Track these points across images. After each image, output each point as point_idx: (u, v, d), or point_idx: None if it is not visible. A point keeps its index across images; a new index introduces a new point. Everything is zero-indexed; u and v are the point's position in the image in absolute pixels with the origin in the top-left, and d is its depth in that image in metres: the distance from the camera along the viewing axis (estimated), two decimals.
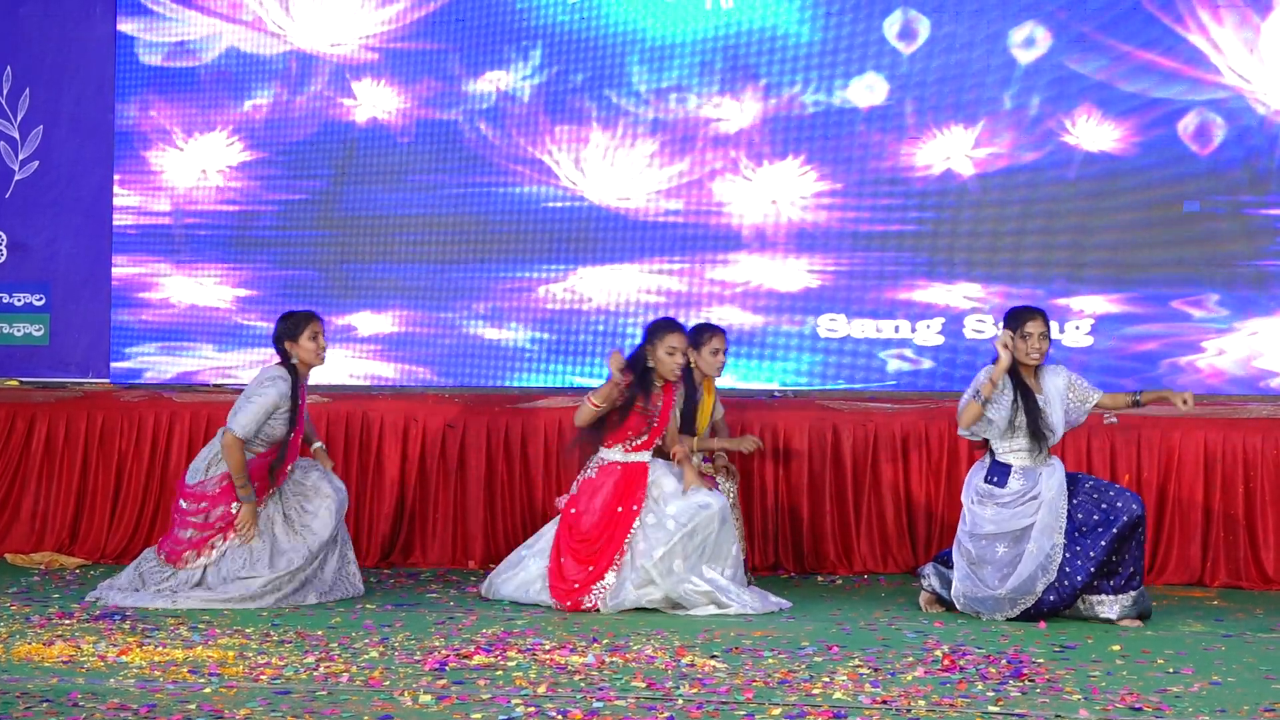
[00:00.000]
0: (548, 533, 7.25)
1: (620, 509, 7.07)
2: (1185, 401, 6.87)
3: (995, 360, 6.76)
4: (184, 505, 7.05)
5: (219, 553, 6.98)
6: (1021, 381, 6.80)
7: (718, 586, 6.93)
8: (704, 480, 7.17)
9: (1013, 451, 6.83)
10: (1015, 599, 6.72)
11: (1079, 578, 6.69)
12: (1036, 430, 6.77)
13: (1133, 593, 6.73)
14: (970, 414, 6.79)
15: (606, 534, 7.04)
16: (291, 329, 7.06)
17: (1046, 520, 6.75)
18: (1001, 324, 6.90)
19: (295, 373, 7.08)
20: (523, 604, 7.05)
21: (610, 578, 6.96)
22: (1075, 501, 6.79)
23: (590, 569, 7.00)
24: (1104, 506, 6.75)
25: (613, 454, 7.15)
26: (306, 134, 8.91)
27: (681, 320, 7.35)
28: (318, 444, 7.45)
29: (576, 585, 6.98)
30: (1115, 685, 5.33)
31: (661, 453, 7.25)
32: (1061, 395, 6.87)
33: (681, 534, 6.94)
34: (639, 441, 7.13)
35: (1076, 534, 6.75)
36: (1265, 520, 7.94)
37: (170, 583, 6.96)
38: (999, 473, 6.84)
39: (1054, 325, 8.28)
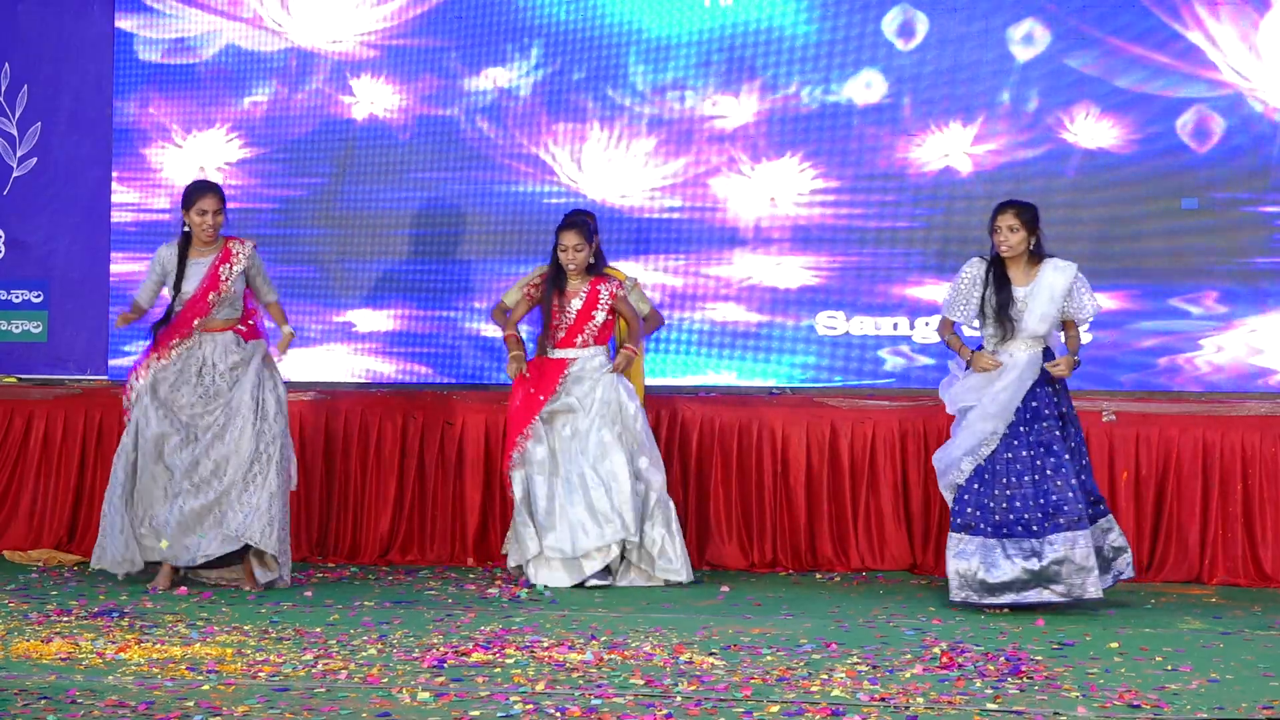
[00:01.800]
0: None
1: (532, 390, 7.64)
2: (1058, 365, 7.07)
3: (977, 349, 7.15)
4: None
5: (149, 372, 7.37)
6: (1002, 272, 7.05)
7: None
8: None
9: (987, 336, 7.14)
10: (957, 455, 7.05)
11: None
12: (1003, 318, 7.02)
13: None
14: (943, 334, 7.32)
15: (518, 415, 7.66)
16: (185, 199, 7.45)
17: (988, 404, 6.99)
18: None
19: (188, 240, 7.44)
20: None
21: (526, 446, 7.62)
22: (1040, 426, 6.99)
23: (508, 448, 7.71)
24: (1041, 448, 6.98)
25: (546, 352, 7.80)
26: (306, 131, 8.91)
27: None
28: (286, 330, 7.64)
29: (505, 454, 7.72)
30: (1113, 683, 5.33)
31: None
32: (1058, 294, 7.01)
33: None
34: (558, 337, 7.72)
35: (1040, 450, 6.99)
36: (1263, 518, 7.95)
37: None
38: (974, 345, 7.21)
39: None
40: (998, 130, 8.41)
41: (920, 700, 5.01)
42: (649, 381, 8.38)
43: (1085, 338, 8.33)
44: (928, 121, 8.45)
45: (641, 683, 5.24)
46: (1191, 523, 8.00)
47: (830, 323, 8.49)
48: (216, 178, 8.91)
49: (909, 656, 5.77)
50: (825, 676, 5.36)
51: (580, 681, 5.26)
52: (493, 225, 8.76)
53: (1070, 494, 6.87)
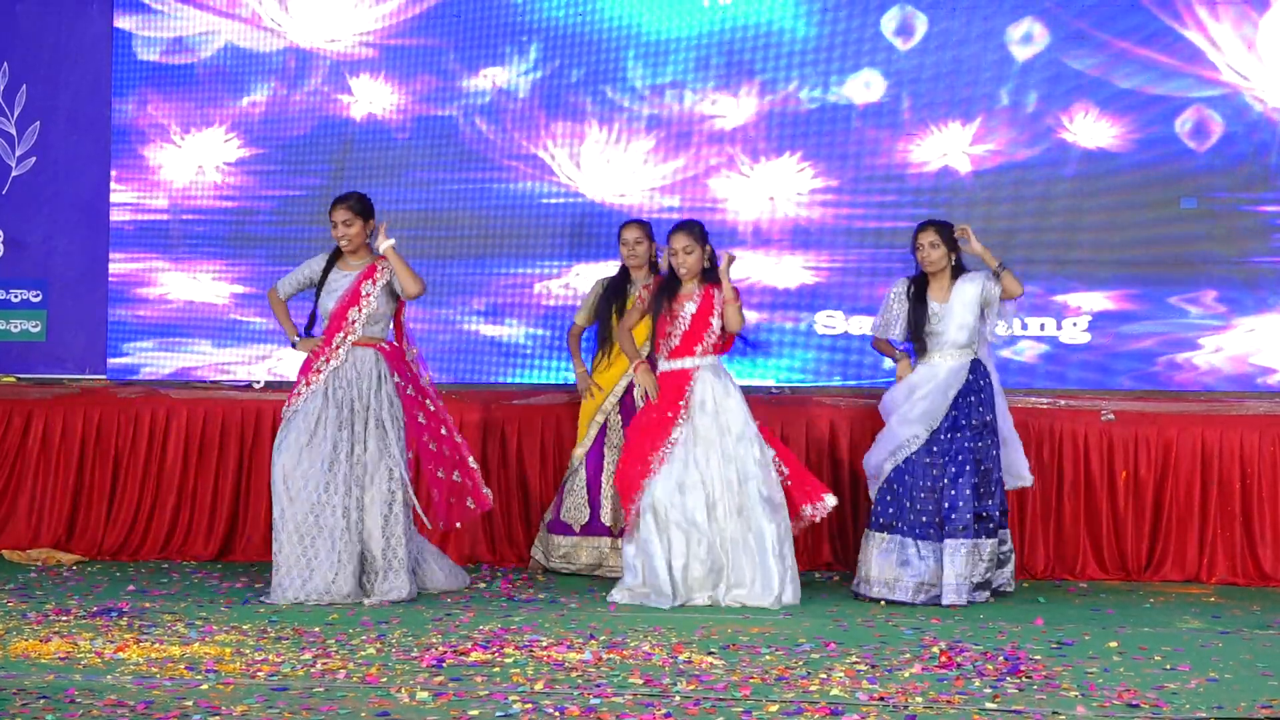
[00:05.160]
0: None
1: (655, 415, 7.21)
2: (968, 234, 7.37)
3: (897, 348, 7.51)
4: None
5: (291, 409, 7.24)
6: (921, 292, 7.38)
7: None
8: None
9: (916, 350, 7.44)
10: (880, 457, 7.41)
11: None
12: (917, 336, 7.35)
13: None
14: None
15: (638, 436, 7.23)
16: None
17: (907, 411, 7.31)
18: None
19: (337, 252, 7.39)
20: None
21: (649, 482, 7.09)
22: (955, 436, 7.27)
23: (636, 469, 7.17)
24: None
25: (660, 364, 7.37)
26: (304, 130, 8.90)
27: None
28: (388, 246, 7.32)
29: (627, 481, 7.17)
30: (1112, 682, 5.33)
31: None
32: (971, 302, 7.31)
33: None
34: (672, 346, 7.28)
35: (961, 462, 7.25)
36: (1262, 517, 7.96)
37: None
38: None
39: (1049, 321, 8.31)
40: (997, 130, 8.41)
41: (919, 699, 5.01)
42: None
43: (1083, 337, 8.34)
44: (927, 121, 8.45)
45: (640, 682, 5.24)
46: (1190, 522, 8.00)
47: (829, 322, 8.48)
48: (215, 177, 8.91)
49: (908, 656, 5.77)
50: (824, 676, 5.36)
51: (579, 681, 5.25)
52: (491, 224, 8.75)
53: (960, 504, 7.17)
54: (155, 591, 7.26)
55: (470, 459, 7.40)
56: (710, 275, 7.29)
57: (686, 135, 8.63)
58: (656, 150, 8.64)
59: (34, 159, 9.00)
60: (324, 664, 5.50)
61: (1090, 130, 8.33)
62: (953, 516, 7.15)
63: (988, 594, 7.21)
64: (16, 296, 8.97)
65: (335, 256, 7.40)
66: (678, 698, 5.01)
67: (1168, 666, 5.64)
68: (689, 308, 7.25)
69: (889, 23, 8.49)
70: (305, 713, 4.79)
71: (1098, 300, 8.32)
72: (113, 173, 8.97)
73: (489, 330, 8.73)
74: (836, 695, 5.06)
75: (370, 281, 7.27)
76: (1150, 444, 8.04)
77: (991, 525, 7.20)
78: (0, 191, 9.00)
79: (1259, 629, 6.57)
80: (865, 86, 8.51)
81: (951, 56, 8.45)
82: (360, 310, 7.25)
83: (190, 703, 4.88)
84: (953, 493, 7.17)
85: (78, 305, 8.94)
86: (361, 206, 7.31)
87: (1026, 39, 8.39)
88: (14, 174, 9.00)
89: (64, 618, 6.44)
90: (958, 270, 7.39)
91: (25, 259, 8.99)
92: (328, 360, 7.24)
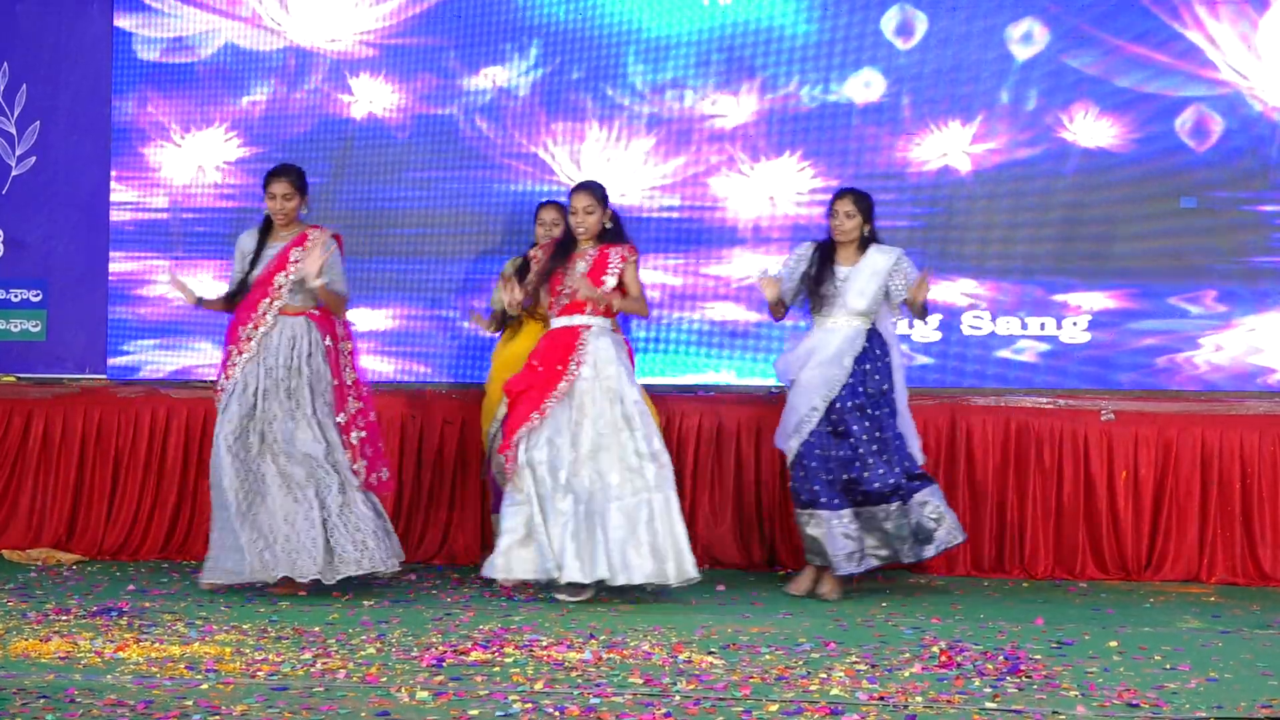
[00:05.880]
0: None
1: (538, 365, 7.15)
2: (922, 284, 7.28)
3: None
4: None
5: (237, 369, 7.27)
6: (830, 255, 7.37)
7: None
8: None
9: (812, 311, 7.43)
10: (787, 433, 7.36)
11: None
12: (815, 292, 7.33)
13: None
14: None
15: (521, 387, 7.14)
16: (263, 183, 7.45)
17: (806, 380, 7.30)
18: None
19: (269, 225, 7.40)
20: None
21: (523, 430, 7.03)
22: (849, 405, 7.27)
23: (517, 423, 7.09)
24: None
25: (552, 320, 7.32)
26: (304, 130, 8.90)
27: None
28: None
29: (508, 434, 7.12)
30: (1112, 682, 5.33)
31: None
32: (880, 271, 7.29)
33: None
34: (562, 304, 7.23)
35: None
36: (1262, 517, 7.96)
37: None
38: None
39: (1049, 321, 8.31)
40: (997, 129, 8.40)
41: (919, 699, 5.01)
42: (649, 380, 8.38)
43: (1083, 336, 8.34)
44: (927, 121, 8.45)
45: (640, 682, 5.24)
46: (1190, 522, 8.00)
47: None
48: (215, 176, 8.91)
49: (908, 655, 5.77)
50: (824, 675, 5.36)
51: (579, 680, 5.26)
52: (491, 224, 8.76)
53: (881, 470, 7.22)
54: (155, 591, 7.27)
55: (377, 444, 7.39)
56: (606, 236, 7.29)
57: (687, 134, 8.63)
58: (657, 149, 8.64)
59: (34, 159, 9.00)
60: (324, 664, 5.50)
61: (1090, 130, 8.33)
62: (875, 485, 7.21)
63: (929, 550, 7.28)
64: (16, 296, 8.97)
65: (265, 232, 7.42)
66: (678, 698, 5.01)
67: (1168, 666, 5.65)
68: (580, 266, 7.24)
69: (889, 22, 8.49)
70: (305, 713, 4.79)
71: (1098, 299, 8.32)
72: (113, 172, 8.97)
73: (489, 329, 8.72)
74: (836, 695, 5.06)
75: (300, 248, 7.29)
76: (1150, 444, 8.04)
77: (903, 492, 7.24)
78: (0, 191, 9.00)
79: (1259, 629, 6.57)
80: (865, 86, 8.51)
81: (951, 56, 8.45)
82: (287, 275, 7.27)
83: (190, 703, 4.89)
84: (870, 460, 7.22)
85: (78, 305, 8.95)
86: (302, 182, 7.41)
87: (1026, 38, 8.39)
88: (14, 174, 9.00)
89: (64, 618, 6.44)
90: (866, 243, 7.40)
91: (25, 259, 8.99)
92: (256, 326, 7.27)
